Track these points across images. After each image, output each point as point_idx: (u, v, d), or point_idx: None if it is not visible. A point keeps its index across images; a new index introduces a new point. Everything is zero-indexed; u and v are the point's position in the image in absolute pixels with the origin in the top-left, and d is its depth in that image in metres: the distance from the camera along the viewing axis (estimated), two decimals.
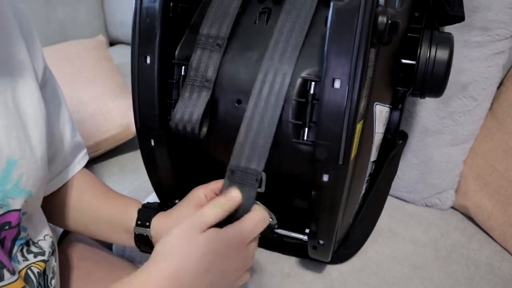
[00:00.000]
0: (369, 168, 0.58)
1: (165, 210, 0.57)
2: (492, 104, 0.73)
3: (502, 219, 0.68)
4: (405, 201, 0.79)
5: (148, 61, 0.48)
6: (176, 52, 0.51)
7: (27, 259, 0.47)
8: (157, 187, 0.59)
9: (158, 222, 0.55)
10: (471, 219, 0.75)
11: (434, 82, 0.54)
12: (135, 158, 0.97)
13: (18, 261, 0.46)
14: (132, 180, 0.92)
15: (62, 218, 0.58)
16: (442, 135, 0.72)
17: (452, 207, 0.78)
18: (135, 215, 0.56)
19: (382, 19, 0.40)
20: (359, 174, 0.53)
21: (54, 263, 0.52)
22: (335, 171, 0.44)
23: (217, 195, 0.55)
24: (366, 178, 0.59)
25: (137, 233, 0.55)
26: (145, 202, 0.62)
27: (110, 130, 0.92)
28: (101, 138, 0.92)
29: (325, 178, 0.44)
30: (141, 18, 0.47)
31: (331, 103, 0.41)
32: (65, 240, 0.65)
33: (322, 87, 0.41)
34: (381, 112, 0.53)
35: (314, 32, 0.46)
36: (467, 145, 0.74)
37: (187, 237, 0.40)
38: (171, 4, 0.48)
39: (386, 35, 0.40)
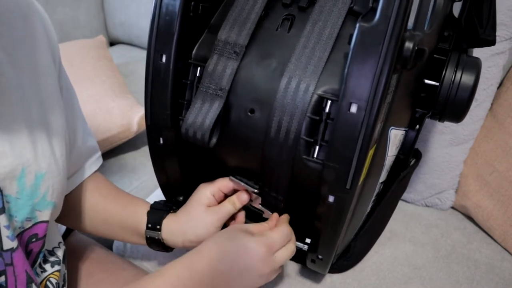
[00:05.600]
0: (377, 189, 0.57)
1: (174, 210, 0.57)
2: (492, 104, 0.73)
3: (502, 219, 0.68)
4: (405, 201, 0.79)
5: (164, 59, 0.47)
6: (193, 52, 0.49)
7: (45, 270, 0.48)
8: (163, 183, 0.59)
9: (168, 224, 0.55)
10: (471, 219, 0.75)
11: (456, 107, 0.52)
12: (135, 158, 0.97)
13: (37, 273, 0.46)
14: (132, 180, 0.92)
15: (73, 219, 0.59)
16: (442, 135, 0.72)
17: (452, 207, 0.78)
18: (144, 218, 0.56)
19: (408, 45, 0.38)
20: (366, 195, 0.52)
21: (65, 270, 0.52)
22: (341, 194, 0.43)
23: (225, 194, 0.56)
24: (373, 198, 0.58)
25: (148, 236, 0.56)
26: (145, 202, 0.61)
27: (110, 130, 0.92)
28: (101, 138, 0.92)
29: (331, 199, 0.44)
30: (160, 15, 0.46)
31: (345, 127, 0.40)
32: (66, 240, 0.65)
33: (337, 109, 0.40)
34: (396, 135, 0.51)
35: (337, 48, 0.44)
36: (467, 145, 0.74)
37: (231, 232, 0.50)
38: (192, 3, 0.46)
39: (411, 61, 0.38)
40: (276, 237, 0.49)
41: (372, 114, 0.39)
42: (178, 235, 0.55)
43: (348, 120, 0.40)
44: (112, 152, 0.97)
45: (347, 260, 0.63)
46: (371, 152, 0.43)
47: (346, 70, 0.39)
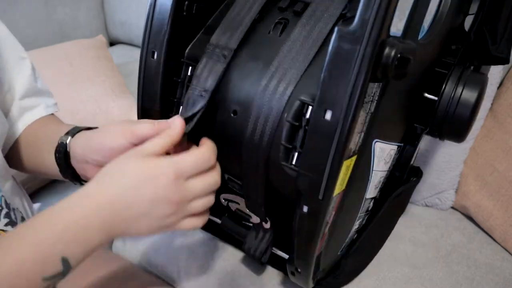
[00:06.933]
0: (366, 204, 0.55)
1: None
2: (492, 104, 0.73)
3: (502, 219, 0.68)
4: None
5: (155, 57, 0.48)
6: (186, 51, 0.50)
7: None
8: None
9: (81, 135, 0.49)
10: (471, 219, 0.75)
11: (455, 124, 0.49)
12: None
13: None
14: None
15: (19, 161, 0.56)
16: None
17: (452, 207, 0.78)
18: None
19: (388, 52, 0.36)
20: (348, 210, 0.50)
21: None
22: (314, 205, 0.42)
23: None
24: (361, 214, 0.56)
25: (59, 142, 0.49)
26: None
27: None
28: None
29: (305, 209, 0.42)
30: (154, 13, 0.47)
31: (319, 134, 0.39)
32: None
33: (312, 115, 0.39)
34: (382, 149, 0.49)
35: (324, 53, 0.42)
36: (467, 145, 0.74)
37: (125, 161, 0.40)
38: (186, 2, 0.47)
39: (392, 69, 0.37)
40: (189, 160, 0.40)
41: (347, 122, 0.37)
42: (83, 146, 0.47)
43: (322, 127, 0.38)
44: None
45: (336, 277, 0.60)
46: (348, 163, 0.41)
47: (322, 74, 0.38)
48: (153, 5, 0.47)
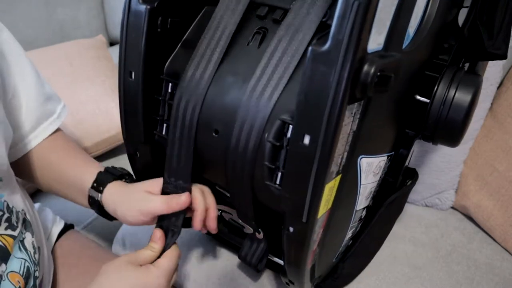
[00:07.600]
0: (358, 215, 0.53)
1: (127, 179, 0.56)
2: (492, 104, 0.73)
3: (502, 219, 0.68)
4: None
5: (133, 77, 0.46)
6: (165, 67, 0.48)
7: None
8: None
9: (111, 190, 0.54)
10: (471, 219, 0.75)
11: (448, 128, 0.47)
12: None
13: None
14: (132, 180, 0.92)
15: (30, 177, 0.59)
16: None
17: (452, 207, 0.78)
18: (93, 178, 0.55)
19: (367, 69, 0.33)
20: (338, 225, 0.49)
21: (32, 238, 0.52)
22: (299, 226, 0.40)
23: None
24: (353, 224, 0.54)
25: (90, 194, 0.55)
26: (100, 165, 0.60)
27: (110, 130, 0.92)
28: (100, 138, 0.92)
29: (291, 229, 0.42)
30: (127, 32, 0.45)
31: (298, 158, 0.37)
32: (64, 237, 0.65)
33: (290, 139, 0.37)
34: (370, 164, 0.46)
35: (303, 66, 0.39)
36: (467, 145, 0.74)
37: (122, 268, 0.46)
38: (160, 18, 0.45)
39: (371, 87, 0.34)
40: (170, 265, 0.48)
41: (326, 147, 0.35)
42: (111, 204, 0.53)
43: (301, 152, 0.36)
44: (112, 152, 0.97)
45: (335, 280, 0.60)
46: (331, 184, 0.40)
47: (297, 97, 0.35)
48: (126, 25, 0.44)
